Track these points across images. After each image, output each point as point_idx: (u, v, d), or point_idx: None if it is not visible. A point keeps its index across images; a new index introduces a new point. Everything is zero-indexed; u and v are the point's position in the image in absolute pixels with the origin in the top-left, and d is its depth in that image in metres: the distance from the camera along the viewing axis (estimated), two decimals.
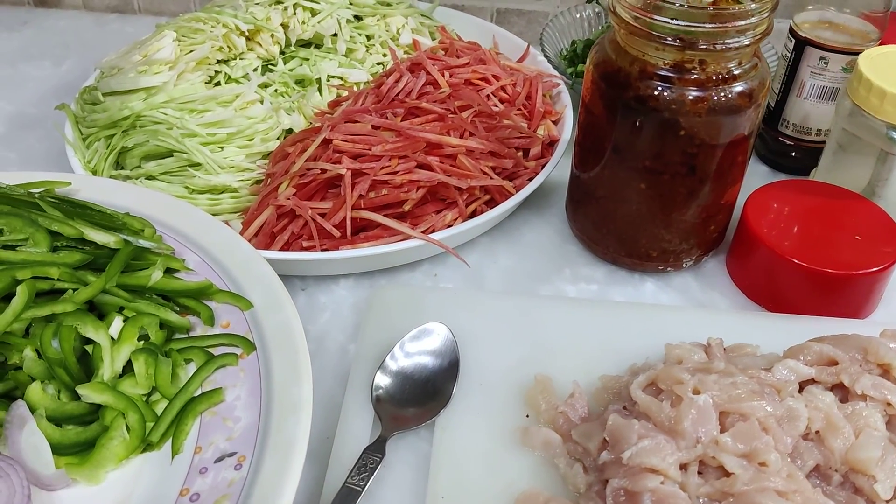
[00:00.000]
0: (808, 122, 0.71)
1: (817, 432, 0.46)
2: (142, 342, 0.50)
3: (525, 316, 0.58)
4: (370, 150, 0.61)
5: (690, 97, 0.53)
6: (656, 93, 0.54)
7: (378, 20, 0.80)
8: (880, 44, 0.68)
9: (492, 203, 0.64)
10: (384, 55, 0.78)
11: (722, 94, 0.54)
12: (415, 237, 0.59)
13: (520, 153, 0.68)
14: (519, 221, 0.68)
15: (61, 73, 0.91)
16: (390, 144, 0.61)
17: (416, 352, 0.54)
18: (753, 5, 0.51)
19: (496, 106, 0.69)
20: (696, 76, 0.53)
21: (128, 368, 0.49)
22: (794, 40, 0.69)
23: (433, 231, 0.61)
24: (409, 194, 0.60)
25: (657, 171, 0.57)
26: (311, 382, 0.47)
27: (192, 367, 0.50)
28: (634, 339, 0.56)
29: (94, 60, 0.92)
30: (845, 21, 0.70)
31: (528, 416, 0.52)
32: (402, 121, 0.64)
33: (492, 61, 0.73)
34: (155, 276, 0.53)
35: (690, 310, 0.60)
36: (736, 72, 0.54)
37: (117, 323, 0.50)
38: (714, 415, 0.46)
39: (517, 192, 0.63)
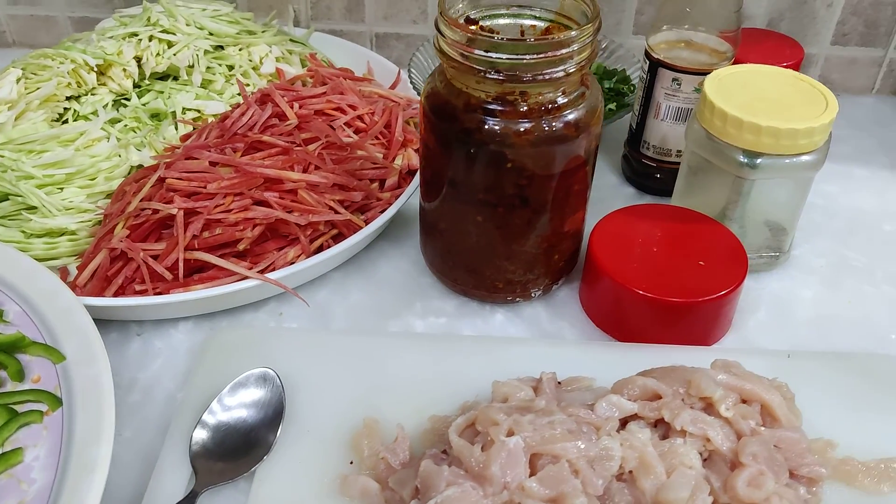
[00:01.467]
0: (667, 144, 0.70)
1: (631, 472, 0.45)
2: None
3: (365, 355, 0.56)
4: (205, 187, 0.60)
5: (514, 129, 0.52)
6: (480, 125, 0.52)
7: (240, 50, 0.78)
8: (734, 62, 0.68)
9: (340, 237, 0.62)
10: (247, 85, 0.76)
11: (547, 125, 0.53)
12: (250, 277, 0.57)
13: (375, 184, 0.66)
14: (376, 254, 0.67)
15: None
16: (226, 181, 0.60)
17: (236, 404, 0.52)
18: (573, 33, 0.50)
19: (349, 137, 0.68)
20: (518, 108, 0.52)
21: None
22: (648, 62, 0.68)
23: (273, 269, 0.59)
24: (245, 232, 0.58)
25: (491, 203, 0.56)
26: (112, 441, 0.46)
27: None
28: (473, 375, 0.55)
29: None
30: (701, 40, 0.69)
31: (351, 462, 0.50)
32: (243, 156, 0.63)
33: (349, 90, 0.72)
34: None
35: (533, 342, 0.59)
36: (561, 101, 0.53)
37: None
38: (523, 458, 0.45)
39: (365, 224, 0.62)
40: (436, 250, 0.62)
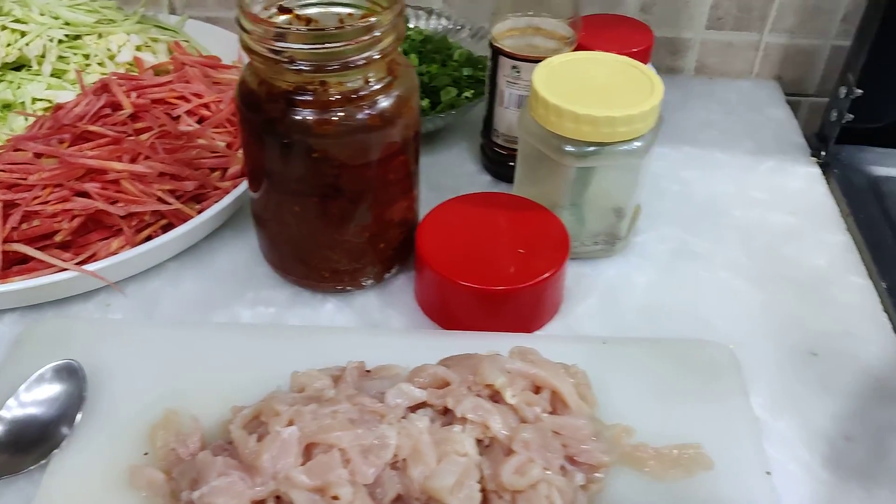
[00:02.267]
0: (513, 132, 0.70)
1: (404, 460, 0.46)
2: None
3: (181, 346, 0.56)
4: (26, 179, 0.59)
5: (316, 119, 0.52)
6: (283, 116, 0.52)
7: (98, 38, 0.77)
8: (579, 48, 0.68)
9: (171, 228, 0.62)
10: (103, 74, 0.76)
11: (350, 114, 0.52)
12: (67, 269, 0.57)
13: (216, 173, 0.66)
14: (217, 244, 0.66)
15: None
16: (46, 172, 0.59)
17: (32, 399, 0.52)
18: (372, 19, 0.50)
19: (191, 126, 0.67)
20: (317, 98, 0.52)
21: None
22: (491, 49, 0.68)
23: (95, 259, 0.59)
24: (62, 224, 0.58)
25: (305, 193, 0.56)
26: None
27: None
28: (286, 365, 0.54)
29: None
30: (549, 27, 0.69)
31: (146, 454, 0.50)
32: (71, 146, 0.62)
33: (196, 79, 0.71)
34: None
35: (354, 331, 0.59)
36: (365, 91, 0.53)
37: None
38: (296, 448, 0.45)
39: (196, 213, 0.62)
40: (265, 240, 0.62)
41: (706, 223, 0.70)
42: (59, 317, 0.60)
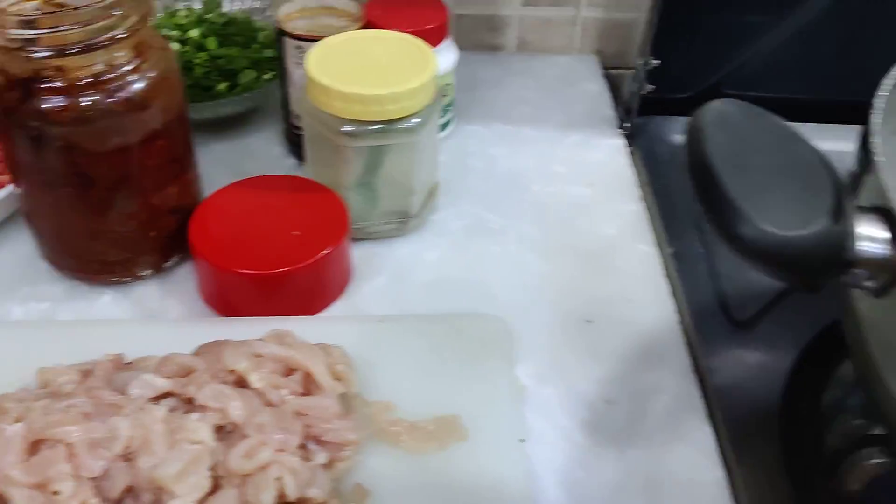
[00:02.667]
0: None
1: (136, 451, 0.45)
2: None
3: None
4: None
5: (51, 106, 0.50)
6: (19, 104, 0.50)
7: None
8: (366, 27, 0.67)
9: None
10: None
11: (94, 99, 0.51)
12: None
13: None
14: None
15: None
16: None
17: None
18: (78, 8, 0.49)
19: None
20: (55, 84, 0.50)
21: None
22: (277, 32, 0.67)
23: None
24: None
25: (56, 184, 0.54)
26: None
27: None
28: (40, 362, 0.52)
29: None
30: (337, 5, 0.69)
31: None
32: None
33: None
34: None
35: (123, 323, 0.58)
36: (109, 75, 0.51)
37: None
38: (19, 445, 0.43)
39: None
40: (33, 232, 0.60)
41: (505, 199, 0.70)
42: None
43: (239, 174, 0.65)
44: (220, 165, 0.71)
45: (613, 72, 0.90)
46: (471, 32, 0.89)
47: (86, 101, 0.51)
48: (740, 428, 0.52)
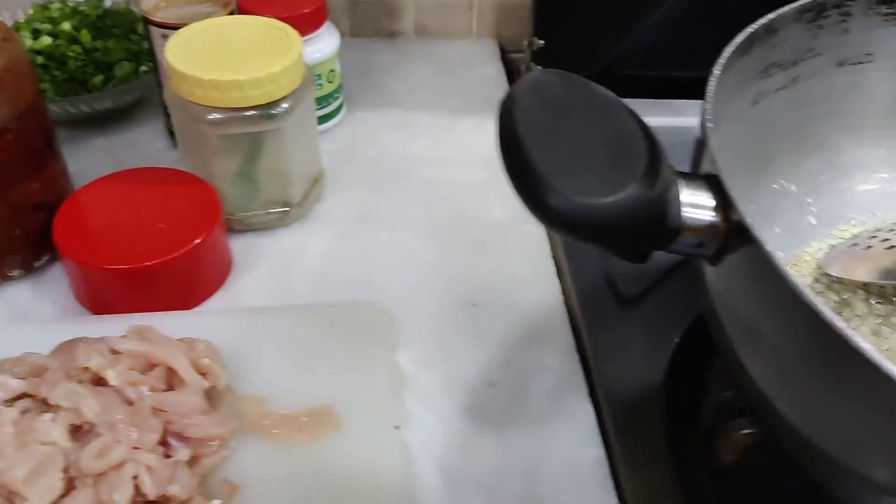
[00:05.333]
0: None
1: None
2: None
3: None
4: None
5: None
6: None
7: None
8: (234, 12, 0.65)
9: None
10: None
11: None
12: None
13: None
14: None
15: None
16: None
17: None
18: None
19: None
20: None
21: None
22: (143, 22, 0.65)
23: None
24: None
25: None
26: None
27: None
28: None
29: None
30: None
31: None
32: None
33: None
34: None
35: None
36: None
37: None
38: None
39: None
40: None
41: (395, 186, 0.69)
42: None
43: (121, 168, 0.63)
44: (100, 160, 0.69)
45: (514, 55, 0.90)
46: (367, 19, 0.88)
47: None
48: (623, 406, 0.52)
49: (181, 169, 0.62)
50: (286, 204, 0.63)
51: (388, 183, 0.69)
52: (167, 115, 0.70)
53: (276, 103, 0.57)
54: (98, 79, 0.70)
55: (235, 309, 0.58)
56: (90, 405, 0.44)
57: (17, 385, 0.46)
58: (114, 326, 0.52)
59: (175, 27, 0.63)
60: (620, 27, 0.78)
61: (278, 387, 0.50)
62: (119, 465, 0.42)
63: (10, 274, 0.58)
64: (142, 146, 0.73)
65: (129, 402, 0.46)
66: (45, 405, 0.45)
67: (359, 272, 0.61)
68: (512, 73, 0.86)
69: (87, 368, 0.46)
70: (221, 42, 0.59)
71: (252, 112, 0.57)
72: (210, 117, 0.57)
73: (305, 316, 0.55)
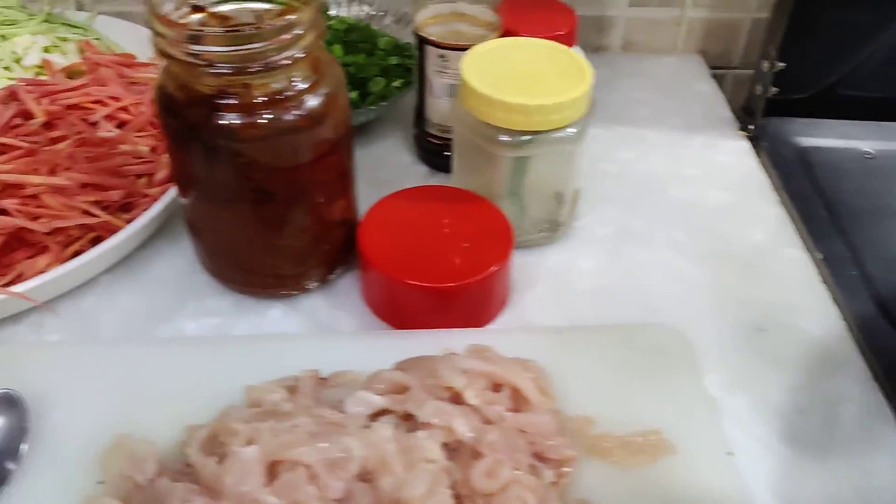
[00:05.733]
0: (447, 121, 0.69)
1: (372, 471, 0.44)
2: None
3: (127, 366, 0.53)
4: None
5: (241, 123, 0.49)
6: (206, 121, 0.50)
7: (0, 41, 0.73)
8: (506, 34, 0.67)
9: (101, 241, 0.59)
10: (10, 80, 0.71)
11: (276, 116, 0.50)
12: None
13: (143, 179, 0.63)
14: (151, 254, 0.63)
15: None
16: None
17: None
18: (278, 23, 0.48)
19: (111, 131, 0.64)
20: (243, 101, 0.49)
21: None
22: (417, 39, 0.66)
23: (21, 280, 0.55)
24: None
25: (234, 199, 0.53)
26: None
27: None
28: (238, 378, 0.52)
29: None
30: (472, 12, 0.68)
31: (100, 482, 0.47)
32: None
33: (112, 81, 0.68)
34: None
35: (303, 337, 0.58)
36: (289, 92, 0.50)
37: None
38: (258, 468, 0.43)
39: (125, 224, 0.59)
40: (201, 248, 0.60)
41: (644, 203, 0.70)
42: None
43: (373, 183, 0.65)
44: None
45: (718, 72, 0.90)
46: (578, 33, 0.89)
47: (271, 117, 0.50)
48: None
49: (449, 185, 0.64)
50: (555, 223, 0.65)
51: (638, 201, 0.71)
52: (420, 130, 0.72)
53: (566, 127, 0.59)
54: (354, 95, 0.71)
55: (533, 327, 0.59)
56: (461, 423, 0.46)
57: (379, 401, 0.48)
58: (421, 342, 0.54)
59: (451, 47, 0.64)
60: (854, 48, 0.78)
61: (601, 408, 0.52)
62: (505, 487, 0.44)
63: (309, 286, 0.60)
64: (388, 160, 0.74)
65: (488, 422, 0.47)
66: (409, 421, 0.47)
67: (633, 291, 0.62)
68: (723, 89, 0.87)
69: (448, 387, 0.48)
70: (511, 64, 0.60)
71: (550, 135, 0.58)
72: (505, 139, 0.58)
73: (605, 337, 0.57)
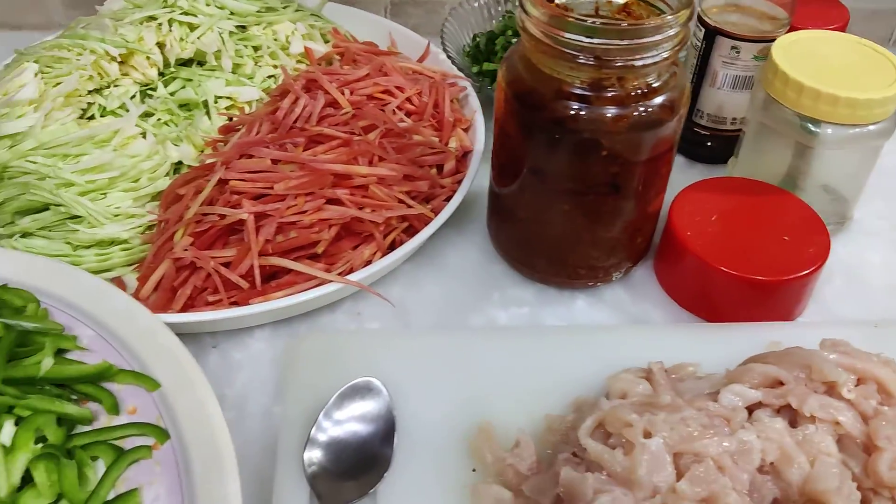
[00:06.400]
0: (723, 112, 0.69)
1: (772, 464, 0.45)
2: (39, 445, 0.45)
3: (458, 353, 0.54)
4: (272, 188, 0.56)
5: (610, 116, 0.50)
6: (573, 113, 0.50)
7: (264, 28, 0.73)
8: (790, 29, 0.66)
9: (411, 230, 0.60)
10: (275, 67, 0.72)
11: (643, 109, 0.51)
12: (332, 281, 0.55)
13: (433, 170, 0.64)
14: (440, 242, 0.64)
15: None
16: (294, 181, 0.56)
17: (346, 417, 0.49)
18: (670, 17, 0.48)
19: (402, 121, 0.65)
20: (614, 93, 0.50)
21: (27, 476, 0.44)
22: (703, 29, 0.66)
23: (351, 270, 0.56)
24: (321, 234, 0.55)
25: (580, 192, 0.54)
26: (237, 474, 0.43)
27: (100, 465, 0.45)
28: (574, 368, 0.53)
29: None
30: (753, 4, 0.68)
31: (474, 470, 0.49)
32: (303, 151, 0.59)
33: (393, 70, 0.68)
34: (46, 363, 0.47)
35: (626, 328, 0.58)
36: (655, 84, 0.51)
37: (8, 428, 0.44)
38: (668, 459, 0.44)
39: (435, 215, 0.59)
40: (512, 238, 0.60)
41: None
42: (313, 329, 0.58)
43: None
44: None
45: None
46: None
47: (637, 111, 0.51)
48: None
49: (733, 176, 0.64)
50: (843, 216, 0.65)
51: None
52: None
53: (883, 121, 0.59)
54: None
55: (846, 321, 0.59)
56: (847, 417, 0.46)
57: (755, 395, 0.48)
58: (737, 335, 0.55)
59: (745, 39, 0.64)
60: None
61: None
62: None
63: (615, 278, 0.60)
64: None
65: (864, 416, 0.48)
66: (779, 414, 0.48)
67: None
68: None
69: (826, 382, 0.48)
70: (819, 58, 0.60)
71: (864, 129, 0.58)
72: (827, 132, 0.58)
73: None
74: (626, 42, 0.48)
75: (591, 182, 0.53)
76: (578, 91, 0.50)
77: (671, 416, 0.46)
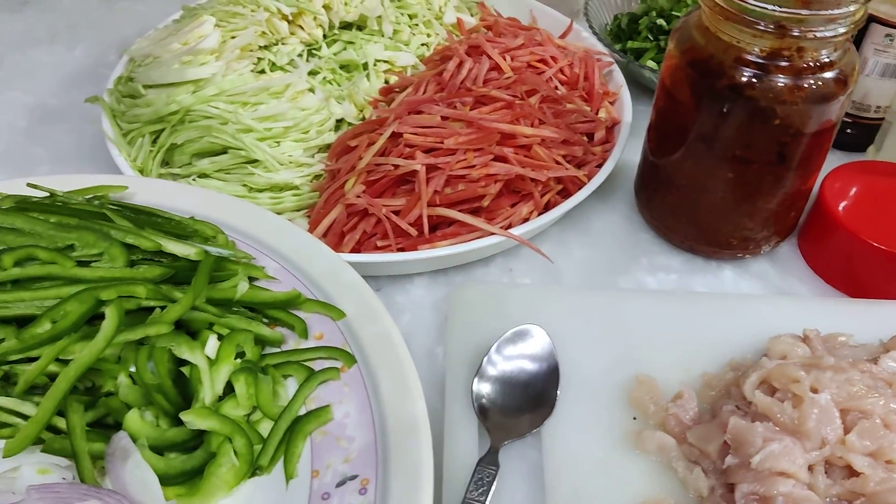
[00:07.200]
0: (868, 100, 0.70)
1: None
2: (238, 360, 0.48)
3: (611, 311, 0.56)
4: (442, 143, 0.59)
5: (788, 85, 0.52)
6: (753, 81, 0.52)
7: None
8: None
9: (563, 193, 0.62)
10: (428, 35, 0.75)
11: (818, 81, 0.52)
12: (496, 234, 0.57)
13: (584, 138, 0.66)
14: (586, 209, 0.66)
15: (76, 58, 0.86)
16: (463, 137, 0.59)
17: (516, 355, 0.52)
18: None
19: (558, 89, 0.67)
20: (791, 64, 0.52)
21: (226, 389, 0.47)
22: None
23: (511, 226, 0.59)
24: (487, 189, 0.58)
25: (746, 160, 0.55)
26: (423, 396, 0.46)
27: (291, 384, 0.49)
28: (726, 332, 0.55)
29: (108, 43, 0.88)
30: None
31: (635, 418, 0.51)
32: (470, 110, 0.62)
33: (547, 41, 0.71)
34: (241, 287, 0.50)
35: (774, 298, 0.60)
36: (830, 58, 0.52)
37: (213, 342, 0.48)
38: (836, 414, 0.45)
39: (588, 180, 0.62)
40: (665, 206, 0.62)
41: None
42: (468, 281, 0.61)
43: None
44: None
45: None
46: None
47: (815, 82, 0.52)
48: None
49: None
50: None
51: None
52: None
53: None
54: None
55: None
56: None
57: None
58: (883, 311, 0.56)
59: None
60: None
61: None
62: None
63: (763, 251, 0.62)
64: None
65: None
66: None
67: None
68: None
69: None
70: None
71: None
72: None
73: None
74: (807, 13, 0.49)
75: (759, 150, 0.55)
76: (757, 59, 0.52)
77: (837, 375, 0.48)
